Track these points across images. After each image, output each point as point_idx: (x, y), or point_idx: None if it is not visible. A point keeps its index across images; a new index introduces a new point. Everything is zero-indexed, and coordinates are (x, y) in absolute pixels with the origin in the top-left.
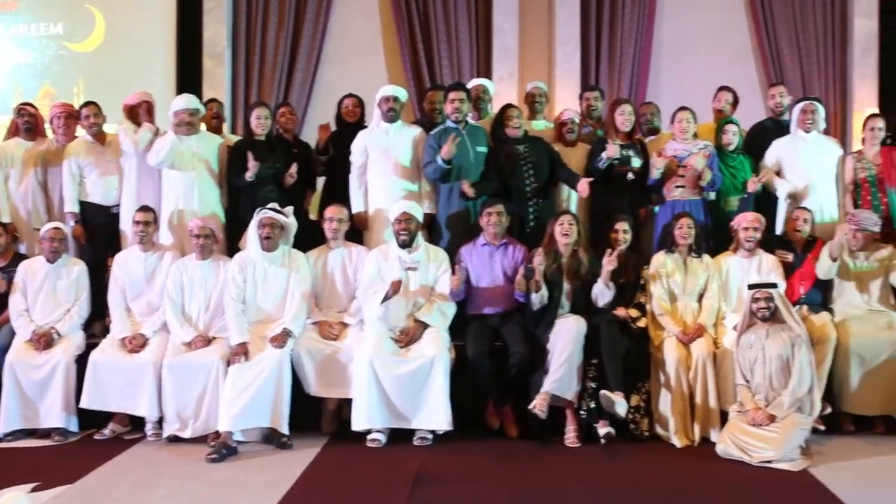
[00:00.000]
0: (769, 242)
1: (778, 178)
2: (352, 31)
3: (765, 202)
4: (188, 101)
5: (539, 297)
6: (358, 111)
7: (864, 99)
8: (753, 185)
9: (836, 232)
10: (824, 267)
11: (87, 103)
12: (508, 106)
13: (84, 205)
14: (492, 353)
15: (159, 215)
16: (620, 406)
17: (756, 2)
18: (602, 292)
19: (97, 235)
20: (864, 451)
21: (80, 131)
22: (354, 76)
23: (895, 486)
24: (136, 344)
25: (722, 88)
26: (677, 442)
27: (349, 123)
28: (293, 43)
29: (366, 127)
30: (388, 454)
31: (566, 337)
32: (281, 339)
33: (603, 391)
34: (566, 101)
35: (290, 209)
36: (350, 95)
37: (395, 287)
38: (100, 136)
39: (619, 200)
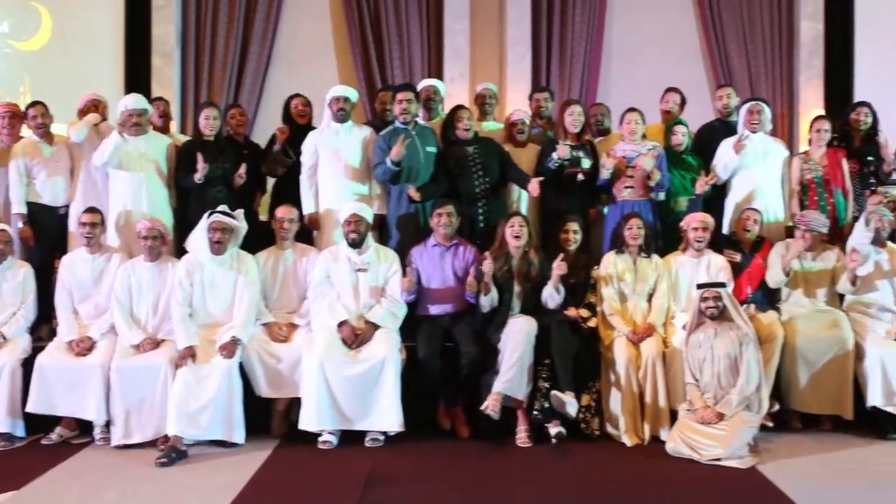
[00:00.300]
0: (717, 242)
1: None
2: (302, 31)
3: (713, 203)
4: (136, 100)
5: (489, 300)
6: (307, 111)
7: (811, 100)
8: (702, 187)
9: (790, 247)
10: (777, 278)
11: (34, 103)
12: (459, 107)
13: (31, 206)
14: (443, 354)
15: (107, 216)
16: (571, 406)
17: (704, 4)
18: (551, 296)
19: (45, 237)
20: (810, 448)
21: (26, 131)
22: (305, 77)
23: (840, 483)
24: (84, 347)
25: (669, 90)
26: (627, 441)
27: (299, 124)
28: (243, 43)
29: (315, 127)
30: (340, 456)
31: (517, 337)
32: (230, 348)
33: (554, 391)
34: (517, 101)
35: (240, 212)
36: (297, 95)
37: (347, 335)
38: (47, 137)
39: (568, 201)
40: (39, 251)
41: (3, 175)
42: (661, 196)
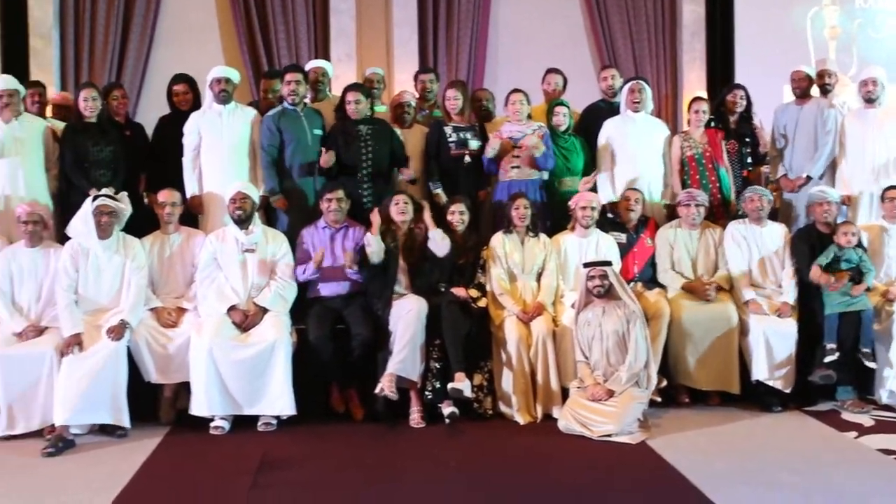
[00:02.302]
0: (603, 224)
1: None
2: (186, 11)
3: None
4: (6, 82)
5: (376, 245)
6: (190, 97)
7: (693, 82)
8: (585, 185)
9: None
10: (675, 283)
11: None
12: (351, 86)
13: None
14: (334, 336)
15: None
16: (465, 389)
17: None
18: (434, 240)
19: None
20: (697, 421)
21: None
22: (190, 58)
23: (727, 455)
24: None
25: (550, 70)
26: (520, 419)
27: (182, 110)
28: (125, 22)
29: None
30: (232, 441)
31: (408, 318)
32: (118, 331)
33: (449, 385)
34: (405, 83)
35: (124, 194)
36: (179, 81)
37: (239, 319)
38: None
39: (455, 182)
40: None
41: None
42: (546, 175)
